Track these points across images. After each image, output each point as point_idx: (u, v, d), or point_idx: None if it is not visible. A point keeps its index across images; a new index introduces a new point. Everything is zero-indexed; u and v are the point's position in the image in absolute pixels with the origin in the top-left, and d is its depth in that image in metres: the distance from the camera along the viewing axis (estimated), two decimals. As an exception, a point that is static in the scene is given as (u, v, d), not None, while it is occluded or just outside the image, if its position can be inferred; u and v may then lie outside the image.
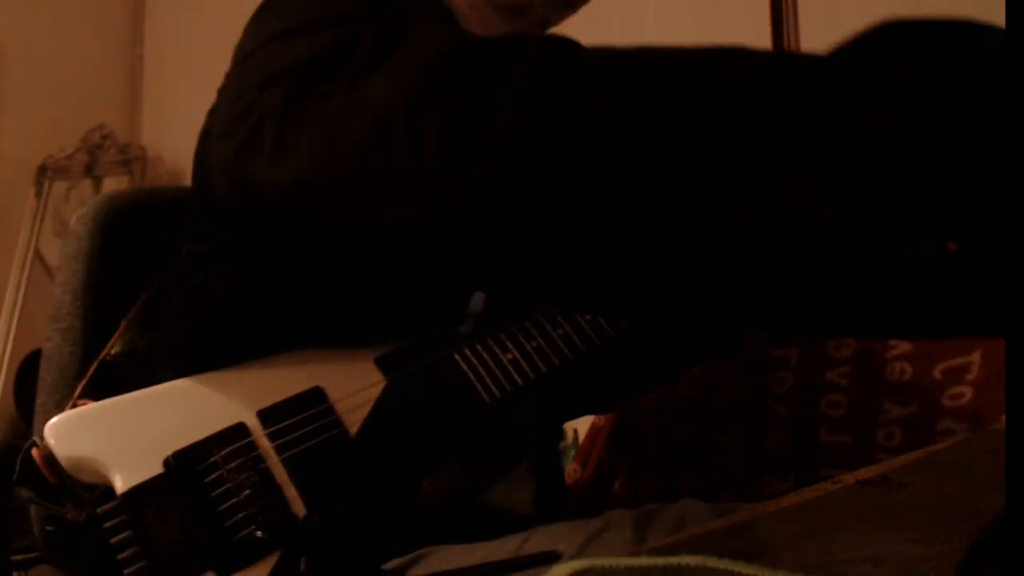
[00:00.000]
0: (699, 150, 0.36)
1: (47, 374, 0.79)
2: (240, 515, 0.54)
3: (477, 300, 0.69)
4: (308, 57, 0.51)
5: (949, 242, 0.32)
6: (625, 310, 0.49)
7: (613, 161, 0.38)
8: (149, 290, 0.75)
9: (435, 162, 0.41)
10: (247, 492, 0.55)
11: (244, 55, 0.58)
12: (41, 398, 0.79)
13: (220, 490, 0.54)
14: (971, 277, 0.32)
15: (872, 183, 0.33)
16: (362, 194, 0.46)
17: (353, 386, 0.62)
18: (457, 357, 0.65)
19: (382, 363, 0.64)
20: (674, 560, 0.31)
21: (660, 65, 0.40)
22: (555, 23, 0.73)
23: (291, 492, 0.56)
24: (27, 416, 1.79)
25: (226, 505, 0.54)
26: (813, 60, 0.39)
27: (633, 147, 0.37)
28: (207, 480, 0.55)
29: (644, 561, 0.31)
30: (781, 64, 0.39)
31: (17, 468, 0.56)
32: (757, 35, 1.51)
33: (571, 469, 1.10)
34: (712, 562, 0.30)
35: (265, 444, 0.57)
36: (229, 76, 0.62)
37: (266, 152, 0.51)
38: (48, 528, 0.69)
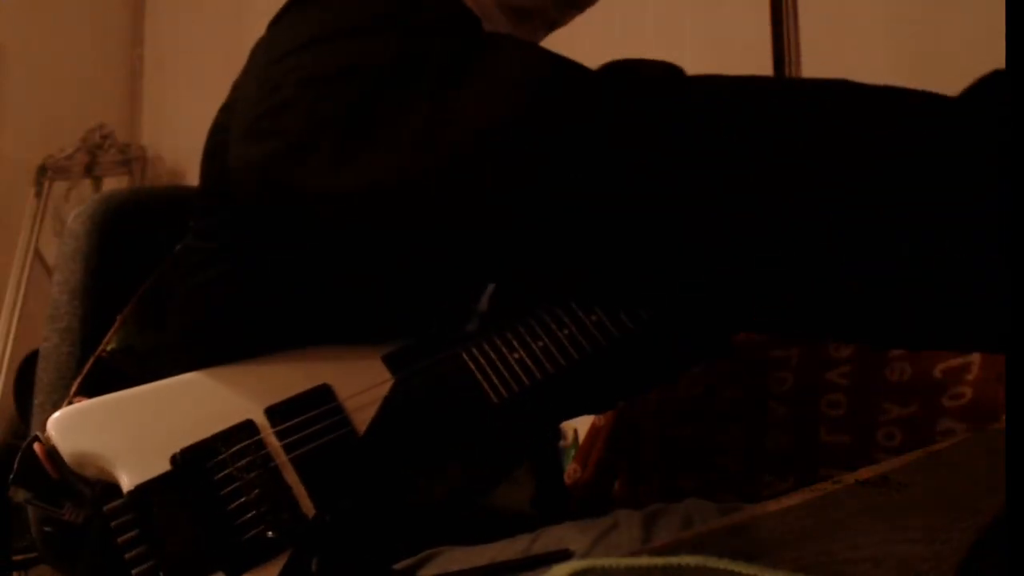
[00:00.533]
0: (703, 159, 0.37)
1: (45, 374, 0.79)
2: (250, 514, 0.54)
3: (483, 299, 0.69)
4: (371, 64, 0.50)
5: (947, 248, 0.33)
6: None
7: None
8: (144, 286, 0.75)
9: (522, 183, 0.43)
10: (256, 491, 0.54)
11: (278, 54, 0.57)
12: (39, 398, 0.78)
13: (229, 488, 0.54)
14: (968, 285, 0.33)
15: (869, 190, 0.34)
16: (437, 206, 0.46)
17: (361, 384, 0.62)
18: (464, 356, 0.65)
19: (390, 361, 0.64)
20: (674, 560, 0.31)
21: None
22: (562, 24, 0.73)
23: (300, 491, 0.56)
24: (27, 416, 1.79)
25: (235, 504, 0.54)
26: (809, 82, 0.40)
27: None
28: (216, 478, 0.54)
29: (644, 561, 0.31)
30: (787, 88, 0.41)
31: (15, 466, 0.55)
32: (757, 35, 1.51)
33: (571, 469, 1.10)
34: (712, 562, 0.30)
35: (273, 442, 0.57)
36: (251, 74, 0.60)
37: (324, 157, 0.50)
38: (46, 529, 0.69)
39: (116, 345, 0.73)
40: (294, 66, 0.54)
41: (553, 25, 0.73)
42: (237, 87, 0.63)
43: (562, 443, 1.47)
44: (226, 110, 0.65)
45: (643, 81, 0.43)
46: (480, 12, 0.67)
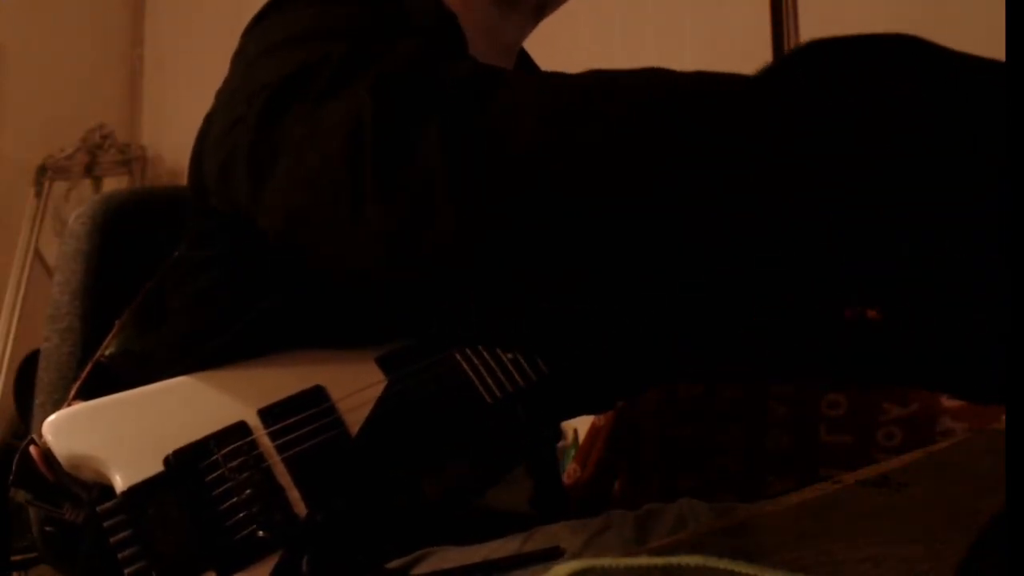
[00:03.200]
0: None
1: (45, 374, 0.79)
2: (241, 514, 0.53)
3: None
4: (280, 75, 0.50)
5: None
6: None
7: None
8: (143, 292, 0.75)
9: (375, 196, 0.42)
10: (248, 491, 0.54)
11: (242, 65, 0.58)
12: (40, 398, 0.78)
13: (221, 489, 0.54)
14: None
15: (862, 193, 0.33)
16: (314, 226, 0.46)
17: (354, 385, 0.62)
18: (458, 357, 0.65)
19: (383, 363, 0.64)
20: (674, 560, 0.31)
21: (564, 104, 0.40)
22: (553, 8, 0.73)
23: (293, 492, 0.55)
24: (27, 416, 1.79)
25: (227, 504, 0.54)
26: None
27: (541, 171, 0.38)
28: (208, 479, 0.54)
29: (644, 561, 0.31)
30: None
31: (14, 468, 0.55)
32: (757, 35, 1.51)
33: (571, 469, 1.10)
34: (712, 562, 0.30)
35: (266, 443, 0.57)
36: (227, 83, 0.62)
37: (242, 173, 0.52)
38: (47, 529, 0.69)
39: (115, 350, 0.73)
40: (250, 77, 0.55)
41: (541, 11, 0.72)
42: (217, 96, 0.64)
43: (562, 443, 1.47)
44: (208, 119, 0.65)
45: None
46: (463, 4, 0.67)
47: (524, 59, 0.80)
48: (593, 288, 0.40)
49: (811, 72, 0.36)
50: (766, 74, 0.38)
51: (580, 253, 0.38)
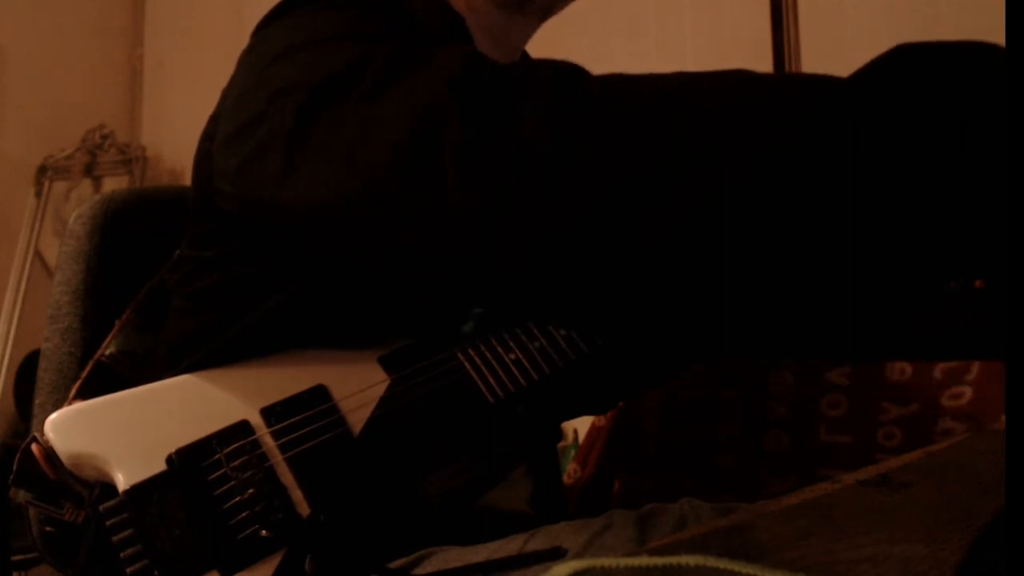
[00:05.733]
0: (706, 173, 0.37)
1: (46, 375, 0.79)
2: (244, 513, 0.54)
3: None
4: (321, 74, 0.51)
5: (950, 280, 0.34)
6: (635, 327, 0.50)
7: (624, 185, 0.38)
8: (143, 291, 0.75)
9: (459, 181, 0.41)
10: (251, 490, 0.54)
11: (258, 64, 0.58)
12: (40, 399, 0.78)
13: (224, 488, 0.54)
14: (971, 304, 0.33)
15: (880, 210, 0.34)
16: (374, 218, 0.46)
17: (357, 385, 0.62)
18: (461, 357, 0.65)
19: (385, 362, 0.64)
20: (674, 560, 0.31)
21: (665, 93, 0.40)
22: (556, 11, 0.73)
23: (295, 491, 0.56)
24: (27, 417, 1.79)
25: (230, 503, 0.54)
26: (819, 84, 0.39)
27: (642, 171, 0.38)
28: (210, 478, 0.54)
29: (644, 561, 0.31)
30: (783, 89, 0.40)
31: (14, 467, 0.55)
32: (757, 35, 1.51)
33: (571, 469, 1.10)
34: (712, 562, 0.30)
35: (269, 442, 0.57)
36: (235, 83, 0.61)
37: (272, 169, 0.51)
38: (47, 529, 0.69)
39: (115, 349, 0.73)
40: (268, 76, 0.55)
41: (546, 13, 0.73)
42: (224, 96, 0.64)
43: (562, 443, 1.47)
44: (213, 120, 0.65)
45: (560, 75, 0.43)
46: (468, 7, 0.67)
47: (524, 60, 0.80)
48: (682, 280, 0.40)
49: (903, 77, 0.37)
50: (860, 77, 0.38)
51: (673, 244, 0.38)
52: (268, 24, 0.61)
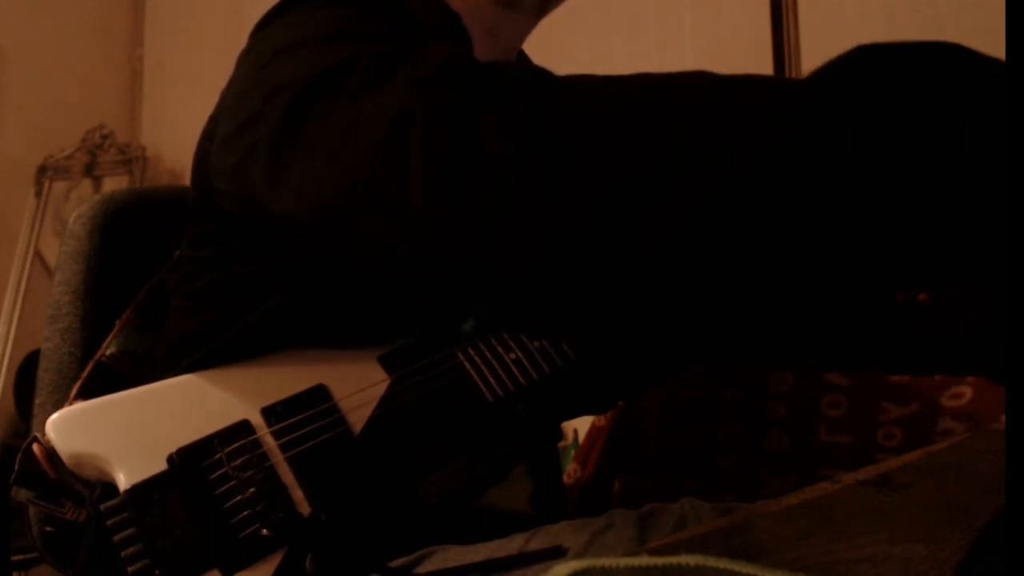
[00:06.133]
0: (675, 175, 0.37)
1: (46, 375, 0.79)
2: (245, 513, 0.54)
3: None
4: (308, 73, 0.51)
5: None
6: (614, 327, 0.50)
7: (617, 187, 0.38)
8: (143, 291, 0.75)
9: (420, 182, 0.42)
10: (252, 490, 0.54)
11: (256, 64, 0.58)
12: (40, 399, 0.78)
13: (224, 487, 0.54)
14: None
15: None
16: (357, 215, 0.46)
17: (357, 384, 0.62)
18: (461, 356, 0.65)
19: (386, 362, 0.64)
20: (674, 560, 0.31)
21: (630, 96, 0.41)
22: (554, 6, 0.73)
23: (296, 490, 0.56)
24: (27, 417, 1.79)
25: (231, 503, 0.54)
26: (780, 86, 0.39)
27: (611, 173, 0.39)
28: (211, 477, 0.54)
29: (644, 561, 0.31)
30: (740, 90, 0.40)
31: (16, 466, 0.55)
32: (757, 35, 1.51)
33: (571, 469, 1.10)
34: (712, 562, 0.30)
35: (269, 441, 0.57)
36: (234, 83, 0.62)
37: (263, 168, 0.52)
38: (47, 529, 0.69)
39: (116, 349, 0.73)
40: (264, 76, 0.55)
41: (543, 9, 0.72)
42: (224, 97, 0.64)
43: (562, 443, 1.47)
44: (213, 120, 0.65)
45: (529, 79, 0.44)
46: (464, 5, 0.67)
47: (522, 60, 0.80)
48: (652, 283, 0.40)
49: (861, 78, 0.37)
50: (816, 79, 0.38)
51: (638, 253, 0.39)
52: (267, 24, 0.62)
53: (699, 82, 0.41)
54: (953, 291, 0.33)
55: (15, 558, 1.61)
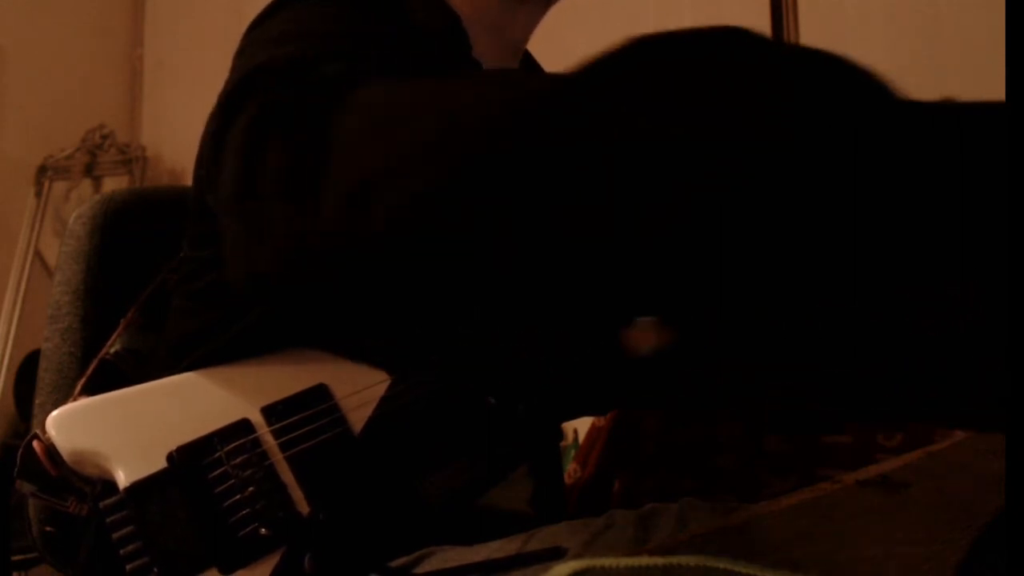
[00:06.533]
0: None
1: (46, 375, 0.79)
2: (244, 512, 0.54)
3: None
4: (240, 76, 0.54)
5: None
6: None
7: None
8: (147, 290, 0.75)
9: (225, 204, 0.48)
10: (251, 489, 0.54)
11: (246, 66, 0.59)
12: (40, 398, 0.78)
13: (224, 486, 0.54)
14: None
15: None
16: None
17: (357, 384, 0.62)
18: (461, 355, 0.65)
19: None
20: (674, 560, 0.31)
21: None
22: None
23: (295, 489, 0.56)
24: (27, 417, 1.79)
25: (230, 501, 0.54)
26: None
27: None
28: (211, 476, 0.54)
29: (644, 561, 0.31)
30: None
31: (18, 462, 0.55)
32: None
33: (571, 469, 1.10)
34: (712, 562, 0.30)
35: (269, 441, 0.57)
36: (227, 84, 0.62)
37: (211, 170, 0.55)
38: (47, 529, 0.69)
39: (119, 348, 0.73)
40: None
41: (550, 1, 0.72)
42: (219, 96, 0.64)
43: (562, 443, 1.47)
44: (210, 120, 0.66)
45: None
46: (470, 4, 0.67)
47: (526, 58, 0.80)
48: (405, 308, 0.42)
49: (633, 68, 0.36)
50: (585, 74, 0.37)
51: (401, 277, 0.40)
52: (261, 23, 0.61)
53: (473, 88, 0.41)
54: (953, 291, 0.32)
55: (15, 558, 1.61)
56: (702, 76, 0.35)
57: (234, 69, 0.62)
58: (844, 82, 0.33)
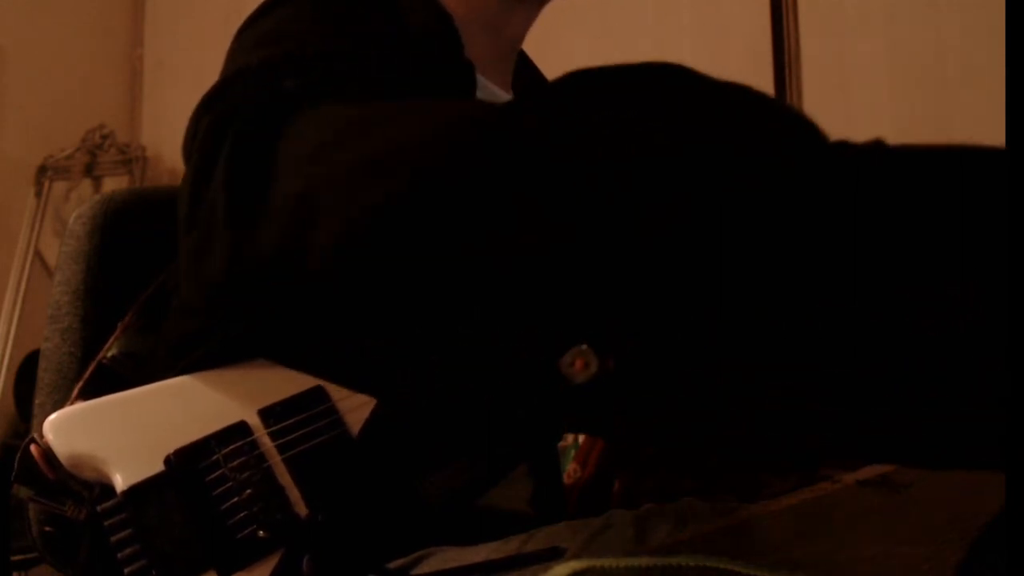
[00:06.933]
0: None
1: (46, 375, 0.79)
2: (242, 514, 0.53)
3: None
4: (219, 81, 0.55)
5: None
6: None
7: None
8: (145, 293, 0.75)
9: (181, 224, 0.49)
10: (249, 491, 0.54)
11: (231, 68, 0.59)
12: (40, 399, 0.78)
13: (222, 489, 0.54)
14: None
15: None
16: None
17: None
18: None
19: (384, 362, 0.64)
20: (674, 560, 0.31)
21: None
22: None
23: (293, 492, 0.56)
24: (27, 417, 1.79)
25: (228, 504, 0.54)
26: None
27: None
28: (208, 479, 0.54)
29: (644, 561, 0.31)
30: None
31: (15, 467, 0.55)
32: (757, 34, 1.51)
33: (571, 469, 1.10)
34: (712, 562, 0.30)
35: (267, 443, 0.57)
36: None
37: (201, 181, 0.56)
38: (47, 529, 0.69)
39: (116, 351, 0.73)
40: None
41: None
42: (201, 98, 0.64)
43: (562, 443, 1.47)
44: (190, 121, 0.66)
45: None
46: (464, 3, 0.67)
47: (522, 59, 0.80)
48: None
49: (567, 98, 0.37)
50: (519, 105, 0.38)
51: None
52: (252, 23, 0.61)
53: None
54: (953, 291, 0.32)
55: (15, 558, 1.61)
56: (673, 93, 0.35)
57: (222, 71, 0.62)
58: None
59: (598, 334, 0.32)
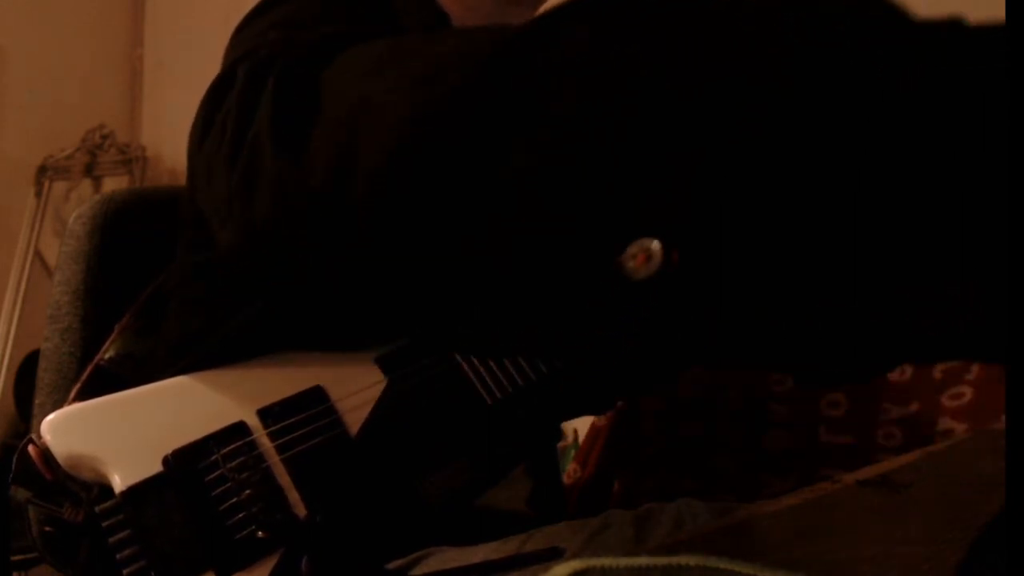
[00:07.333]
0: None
1: (45, 375, 0.79)
2: (241, 515, 0.53)
3: None
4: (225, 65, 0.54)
5: None
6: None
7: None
8: (143, 295, 0.75)
9: (218, 167, 0.47)
10: (248, 491, 0.54)
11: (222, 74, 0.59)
12: (40, 399, 0.78)
13: (220, 489, 0.54)
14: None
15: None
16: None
17: (354, 386, 0.62)
18: (458, 357, 0.65)
19: (383, 363, 0.64)
20: (674, 560, 0.31)
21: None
22: None
23: (292, 492, 0.55)
24: (27, 417, 1.79)
25: (226, 504, 0.54)
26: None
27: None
28: (207, 479, 0.54)
29: (644, 561, 0.31)
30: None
31: (13, 466, 0.55)
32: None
33: (571, 469, 1.10)
34: (712, 562, 0.30)
35: (266, 443, 0.57)
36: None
37: (204, 170, 0.55)
38: (47, 529, 0.69)
39: (114, 352, 0.73)
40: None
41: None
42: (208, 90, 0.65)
43: (562, 443, 1.47)
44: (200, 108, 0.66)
45: None
46: (461, 3, 0.67)
47: None
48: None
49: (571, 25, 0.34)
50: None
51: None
52: (249, 23, 0.61)
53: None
54: (953, 291, 0.31)
55: (15, 558, 1.61)
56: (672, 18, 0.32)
57: (222, 66, 0.62)
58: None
59: (663, 224, 0.30)
